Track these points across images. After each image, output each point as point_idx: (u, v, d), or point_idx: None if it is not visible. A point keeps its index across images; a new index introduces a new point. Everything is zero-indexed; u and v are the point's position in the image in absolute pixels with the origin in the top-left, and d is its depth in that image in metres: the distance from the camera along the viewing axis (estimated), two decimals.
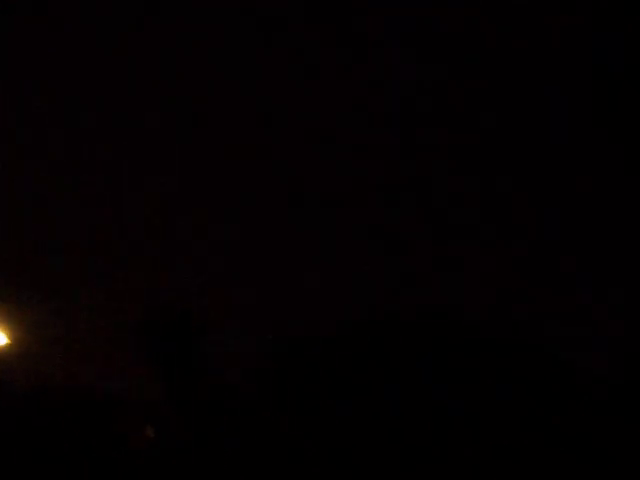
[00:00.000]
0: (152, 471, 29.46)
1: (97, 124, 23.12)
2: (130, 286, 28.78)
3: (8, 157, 23.41)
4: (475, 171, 22.19)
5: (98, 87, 21.29)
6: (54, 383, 28.78)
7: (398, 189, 23.81)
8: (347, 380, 26.14)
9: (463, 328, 26.06)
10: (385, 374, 25.40)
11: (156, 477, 29.14)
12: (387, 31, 20.96)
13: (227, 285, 27.64)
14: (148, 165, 24.91)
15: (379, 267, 24.81)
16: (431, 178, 22.75)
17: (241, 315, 29.14)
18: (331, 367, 26.29)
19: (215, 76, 23.13)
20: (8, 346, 27.64)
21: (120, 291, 29.07)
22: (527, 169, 21.94)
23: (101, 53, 20.36)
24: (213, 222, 26.11)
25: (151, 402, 29.93)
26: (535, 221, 21.77)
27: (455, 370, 24.62)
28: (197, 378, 29.56)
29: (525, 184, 21.75)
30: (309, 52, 20.34)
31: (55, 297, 28.50)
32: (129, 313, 30.63)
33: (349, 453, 24.80)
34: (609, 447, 21.21)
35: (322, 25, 20.03)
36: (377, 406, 25.00)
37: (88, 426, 28.39)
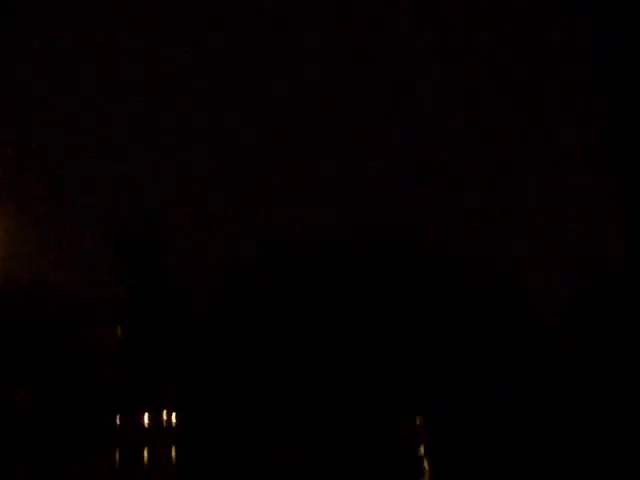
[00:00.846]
0: (119, 369, 29.99)
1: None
2: (100, 191, 28.76)
3: None
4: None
5: None
6: (25, 285, 29.13)
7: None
8: (313, 286, 26.28)
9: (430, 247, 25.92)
10: (350, 285, 25.48)
11: (124, 375, 29.68)
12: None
13: (196, 189, 27.60)
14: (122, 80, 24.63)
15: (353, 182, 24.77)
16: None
17: (209, 218, 29.19)
18: (297, 273, 26.47)
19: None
20: None
21: (90, 196, 29.03)
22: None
23: None
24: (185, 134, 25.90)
25: (119, 303, 30.32)
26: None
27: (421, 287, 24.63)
28: (164, 279, 29.88)
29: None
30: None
31: (28, 203, 28.48)
32: (99, 217, 30.55)
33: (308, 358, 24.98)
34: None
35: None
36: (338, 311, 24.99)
37: (58, 326, 28.81)
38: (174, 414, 31.19)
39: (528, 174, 22.72)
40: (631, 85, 19.15)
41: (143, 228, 30.02)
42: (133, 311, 29.38)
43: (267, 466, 17.77)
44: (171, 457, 29.45)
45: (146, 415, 31.05)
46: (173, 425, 31.38)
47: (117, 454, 29.26)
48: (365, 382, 20.97)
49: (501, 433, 20.16)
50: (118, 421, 30.86)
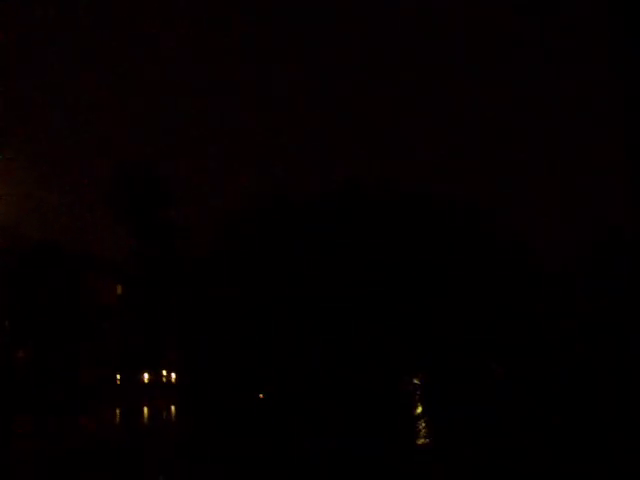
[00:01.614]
0: (120, 325, 30.49)
1: None
2: (103, 147, 29.23)
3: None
4: None
5: None
6: (28, 240, 29.26)
7: None
8: (309, 247, 26.51)
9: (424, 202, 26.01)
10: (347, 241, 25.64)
11: (124, 331, 30.17)
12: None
13: (197, 148, 28.33)
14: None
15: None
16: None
17: (210, 176, 29.82)
18: (297, 234, 26.65)
19: None
20: None
21: (93, 151, 29.42)
22: None
23: None
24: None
25: (121, 260, 30.55)
26: None
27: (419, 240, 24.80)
28: (165, 236, 30.04)
29: None
30: None
31: (31, 156, 28.63)
32: (101, 173, 30.72)
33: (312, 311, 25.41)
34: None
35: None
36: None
37: (60, 282, 29.06)
38: (174, 374, 31.57)
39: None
40: None
41: (144, 182, 29.81)
42: (133, 270, 29.38)
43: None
44: (171, 414, 29.98)
45: (146, 373, 31.44)
46: (173, 383, 31.81)
47: (118, 411, 29.77)
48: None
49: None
50: (119, 379, 31.28)
